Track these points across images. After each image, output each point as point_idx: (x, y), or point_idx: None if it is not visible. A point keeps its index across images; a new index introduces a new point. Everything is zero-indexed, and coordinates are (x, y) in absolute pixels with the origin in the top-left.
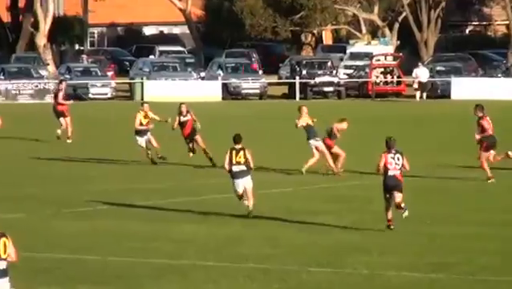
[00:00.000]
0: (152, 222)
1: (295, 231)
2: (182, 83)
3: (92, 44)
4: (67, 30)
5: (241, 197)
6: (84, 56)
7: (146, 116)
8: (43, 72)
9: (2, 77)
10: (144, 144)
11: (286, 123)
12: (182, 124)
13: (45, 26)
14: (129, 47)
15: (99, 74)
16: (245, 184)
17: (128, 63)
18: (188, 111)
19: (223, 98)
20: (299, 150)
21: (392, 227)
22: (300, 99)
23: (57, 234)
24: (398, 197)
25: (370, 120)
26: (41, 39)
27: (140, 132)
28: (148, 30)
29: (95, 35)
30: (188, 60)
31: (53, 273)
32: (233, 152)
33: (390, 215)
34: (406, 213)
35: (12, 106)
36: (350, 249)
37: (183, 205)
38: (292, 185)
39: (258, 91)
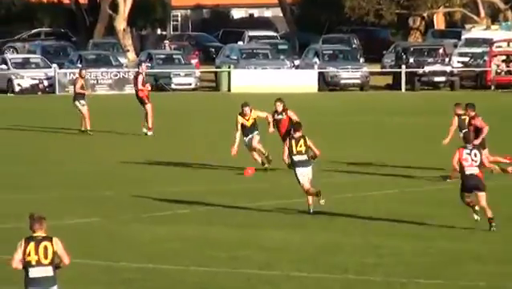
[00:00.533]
0: (238, 228)
1: (400, 238)
2: (274, 72)
3: (175, 28)
4: (148, 13)
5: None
6: (167, 42)
7: (248, 118)
8: (122, 60)
9: (80, 65)
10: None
11: (390, 117)
12: (276, 123)
13: (125, 8)
14: (215, 32)
15: (183, 62)
16: (308, 174)
17: (213, 50)
18: (284, 110)
19: (319, 89)
20: (408, 147)
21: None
22: (406, 90)
23: (135, 240)
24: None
25: (491, 113)
26: (120, 23)
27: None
28: (237, 13)
29: (179, 19)
30: (280, 47)
31: (133, 284)
32: (293, 141)
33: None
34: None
35: (89, 97)
36: (462, 258)
37: (273, 210)
38: (397, 187)
39: (358, 81)
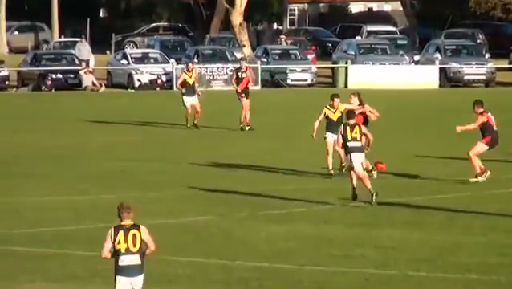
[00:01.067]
0: (355, 227)
1: None
2: (392, 67)
3: (292, 23)
4: (264, 7)
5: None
6: (283, 37)
7: (335, 111)
8: (239, 55)
9: (196, 60)
10: None
11: None
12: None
13: (241, 2)
14: (333, 27)
15: (299, 57)
16: (362, 159)
17: (330, 45)
18: (361, 103)
19: (440, 85)
20: None
21: None
22: None
23: (250, 239)
24: None
25: None
26: (236, 17)
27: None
28: (355, 8)
29: (296, 13)
30: (400, 42)
31: (249, 283)
32: (348, 127)
33: None
34: None
35: (206, 93)
36: None
37: (391, 207)
38: None
39: (483, 77)
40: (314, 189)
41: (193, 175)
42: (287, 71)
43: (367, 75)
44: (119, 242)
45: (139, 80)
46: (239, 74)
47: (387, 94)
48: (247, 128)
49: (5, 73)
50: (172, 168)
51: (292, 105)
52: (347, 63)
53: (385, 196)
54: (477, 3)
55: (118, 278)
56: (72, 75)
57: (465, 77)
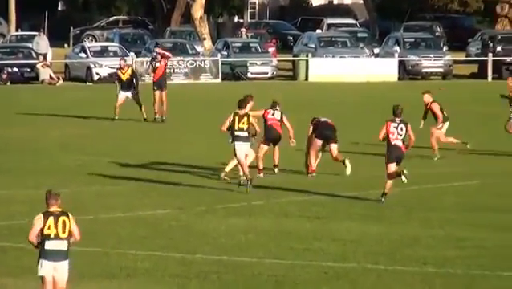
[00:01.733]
0: (314, 220)
1: (483, 231)
2: (353, 60)
3: (253, 16)
4: (225, 1)
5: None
6: (244, 30)
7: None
8: (199, 48)
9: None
10: None
11: (474, 106)
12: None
13: None
14: (293, 20)
15: (260, 50)
16: (246, 150)
17: (291, 38)
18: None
19: (399, 78)
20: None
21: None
22: (493, 79)
23: (210, 232)
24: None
25: None
26: (197, 11)
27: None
28: (316, 1)
29: (256, 6)
30: (360, 35)
31: (208, 277)
32: (237, 117)
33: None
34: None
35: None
36: None
37: (348, 201)
38: (478, 178)
39: (441, 70)
40: (273, 182)
41: (151, 169)
42: (248, 64)
43: (327, 68)
44: (48, 228)
45: (97, 74)
46: (153, 63)
47: (347, 87)
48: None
49: None
50: (129, 161)
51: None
52: (307, 56)
53: (343, 190)
54: None
55: (42, 262)
56: (29, 69)
57: (424, 70)
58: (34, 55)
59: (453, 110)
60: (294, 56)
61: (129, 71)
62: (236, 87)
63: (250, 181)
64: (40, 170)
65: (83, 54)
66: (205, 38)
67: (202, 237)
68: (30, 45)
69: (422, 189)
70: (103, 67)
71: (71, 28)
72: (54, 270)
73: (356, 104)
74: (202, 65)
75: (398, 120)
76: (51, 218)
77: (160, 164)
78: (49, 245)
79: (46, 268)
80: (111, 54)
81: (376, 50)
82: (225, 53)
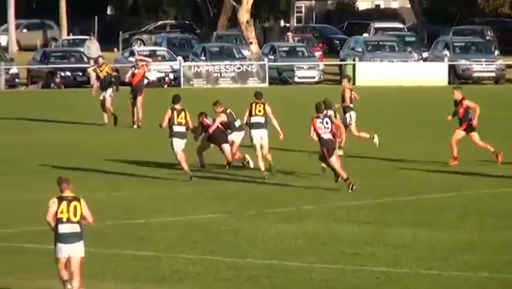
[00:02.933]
0: (364, 225)
1: None
2: (400, 64)
3: (299, 20)
4: (272, 5)
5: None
6: (290, 34)
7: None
8: (246, 52)
9: (203, 58)
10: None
11: None
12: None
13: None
14: (340, 24)
15: (306, 54)
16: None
17: (338, 42)
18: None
19: (449, 82)
20: None
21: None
22: None
23: (260, 236)
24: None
25: None
26: (243, 15)
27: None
28: (362, 5)
29: (303, 10)
30: (408, 39)
31: (259, 281)
32: (175, 112)
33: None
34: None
35: (213, 91)
36: None
37: (400, 206)
38: None
39: (493, 74)
40: (325, 188)
41: (200, 172)
42: (294, 69)
43: (375, 72)
44: (61, 212)
45: (146, 78)
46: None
47: (395, 91)
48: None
49: (14, 71)
50: (179, 166)
51: (300, 103)
52: (354, 60)
53: (394, 194)
54: (486, 0)
55: (58, 245)
56: (81, 73)
57: (475, 74)
58: (85, 59)
59: (506, 116)
60: (341, 60)
61: (107, 69)
62: (283, 92)
63: (191, 177)
64: (93, 174)
65: (131, 59)
66: (251, 43)
67: (252, 241)
68: (81, 49)
69: (474, 194)
70: (152, 71)
71: (120, 32)
72: (70, 251)
73: (405, 108)
74: (249, 69)
75: (321, 115)
76: (64, 203)
77: (210, 169)
78: (62, 228)
79: (61, 250)
80: (159, 58)
81: (425, 55)
82: (272, 57)
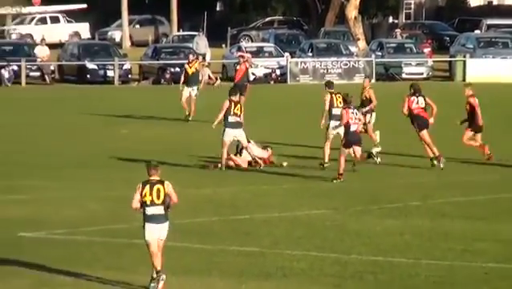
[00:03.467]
0: (473, 220)
1: None
2: None
3: (408, 17)
4: (380, 1)
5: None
6: (398, 31)
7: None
8: (353, 48)
9: (310, 54)
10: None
11: None
12: None
13: None
14: (451, 20)
15: (415, 51)
16: (236, 134)
17: (448, 39)
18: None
19: None
20: None
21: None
22: None
23: (365, 232)
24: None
25: None
26: (351, 11)
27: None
28: (474, 1)
29: (412, 7)
30: None
31: (364, 277)
32: (232, 104)
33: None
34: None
35: (320, 87)
36: None
37: (510, 201)
38: None
39: None
40: (429, 183)
41: (304, 168)
42: (402, 65)
43: (486, 69)
44: (145, 195)
45: (253, 74)
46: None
47: (507, 88)
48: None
49: (127, 66)
50: (282, 161)
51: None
52: (465, 56)
53: (504, 190)
54: None
55: (147, 225)
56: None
57: None
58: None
59: None
60: (450, 57)
61: (196, 65)
62: (390, 88)
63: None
64: (196, 170)
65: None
66: (359, 39)
67: (357, 237)
68: (190, 45)
69: None
70: (259, 68)
71: (229, 28)
72: (157, 231)
73: None
74: (356, 65)
75: (352, 106)
76: (147, 187)
77: (313, 165)
78: (148, 210)
79: (150, 230)
80: (267, 54)
81: None
82: (380, 53)
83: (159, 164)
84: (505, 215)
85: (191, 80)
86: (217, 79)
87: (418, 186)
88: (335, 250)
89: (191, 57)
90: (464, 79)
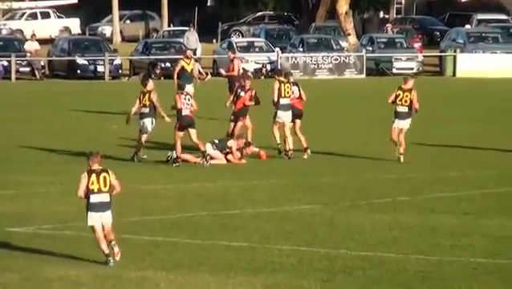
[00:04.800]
0: (462, 216)
1: None
2: (503, 56)
3: (399, 12)
4: None
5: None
6: (389, 25)
7: None
8: (343, 44)
9: (301, 49)
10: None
11: None
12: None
13: None
14: (441, 15)
15: (405, 46)
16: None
17: (438, 34)
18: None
19: None
20: None
21: None
22: None
23: (354, 227)
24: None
25: None
26: (342, 6)
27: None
28: None
29: (403, 2)
30: None
31: (353, 272)
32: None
33: None
34: None
35: (310, 82)
36: None
37: (500, 197)
38: None
39: None
40: (418, 178)
41: (294, 163)
42: (392, 60)
43: (476, 64)
44: (92, 183)
45: (244, 69)
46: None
47: (497, 83)
48: None
49: (118, 62)
50: (272, 157)
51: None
52: (455, 51)
53: (493, 186)
54: None
55: (90, 214)
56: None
57: None
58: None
59: None
60: (441, 52)
61: (193, 62)
62: (380, 83)
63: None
64: (188, 165)
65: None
66: (349, 34)
67: (347, 232)
68: (181, 40)
69: None
70: (250, 63)
71: (219, 24)
72: (101, 219)
73: (507, 100)
74: (347, 60)
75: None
76: (94, 175)
77: (303, 160)
78: (94, 198)
79: (94, 218)
80: (257, 49)
81: None
82: (370, 48)
83: (99, 152)
84: (494, 210)
85: (187, 78)
86: (207, 74)
87: (407, 181)
88: (324, 245)
89: (188, 52)
90: (454, 74)
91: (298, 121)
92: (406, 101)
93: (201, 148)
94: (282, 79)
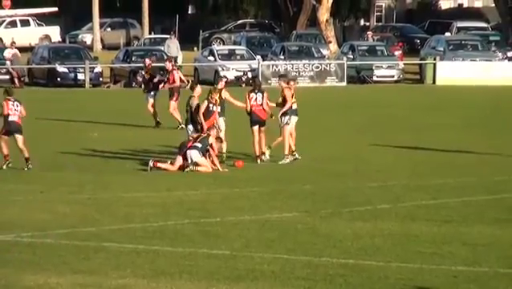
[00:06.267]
0: (442, 224)
1: None
2: (483, 64)
3: (379, 19)
4: (352, 4)
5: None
6: (370, 33)
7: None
8: (325, 51)
9: (282, 57)
10: None
11: None
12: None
13: None
14: (421, 23)
15: (386, 53)
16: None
17: (418, 41)
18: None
19: None
20: None
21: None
22: None
23: (336, 235)
24: None
25: None
26: (323, 14)
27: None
28: (445, 4)
29: (383, 9)
30: (492, 38)
31: (334, 280)
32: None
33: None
34: None
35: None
36: None
37: (480, 205)
38: None
39: None
40: (399, 186)
41: (276, 171)
42: (373, 68)
43: (456, 72)
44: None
45: (225, 77)
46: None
47: (477, 90)
48: None
49: (98, 69)
50: (255, 165)
51: (378, 102)
52: (435, 59)
53: (473, 193)
54: None
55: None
56: (162, 72)
57: None
58: (165, 58)
59: None
60: (421, 59)
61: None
62: (361, 91)
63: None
64: (171, 173)
65: (211, 58)
66: (330, 42)
67: (328, 240)
68: (162, 48)
69: None
70: (231, 70)
71: (201, 31)
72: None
73: (486, 107)
74: (328, 68)
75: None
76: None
77: (285, 167)
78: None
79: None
80: (238, 57)
81: (510, 54)
82: (351, 56)
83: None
84: (474, 218)
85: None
86: (188, 82)
87: (388, 189)
88: (306, 253)
89: (148, 61)
90: (434, 82)
91: (262, 128)
92: None
93: (25, 155)
94: (291, 84)
